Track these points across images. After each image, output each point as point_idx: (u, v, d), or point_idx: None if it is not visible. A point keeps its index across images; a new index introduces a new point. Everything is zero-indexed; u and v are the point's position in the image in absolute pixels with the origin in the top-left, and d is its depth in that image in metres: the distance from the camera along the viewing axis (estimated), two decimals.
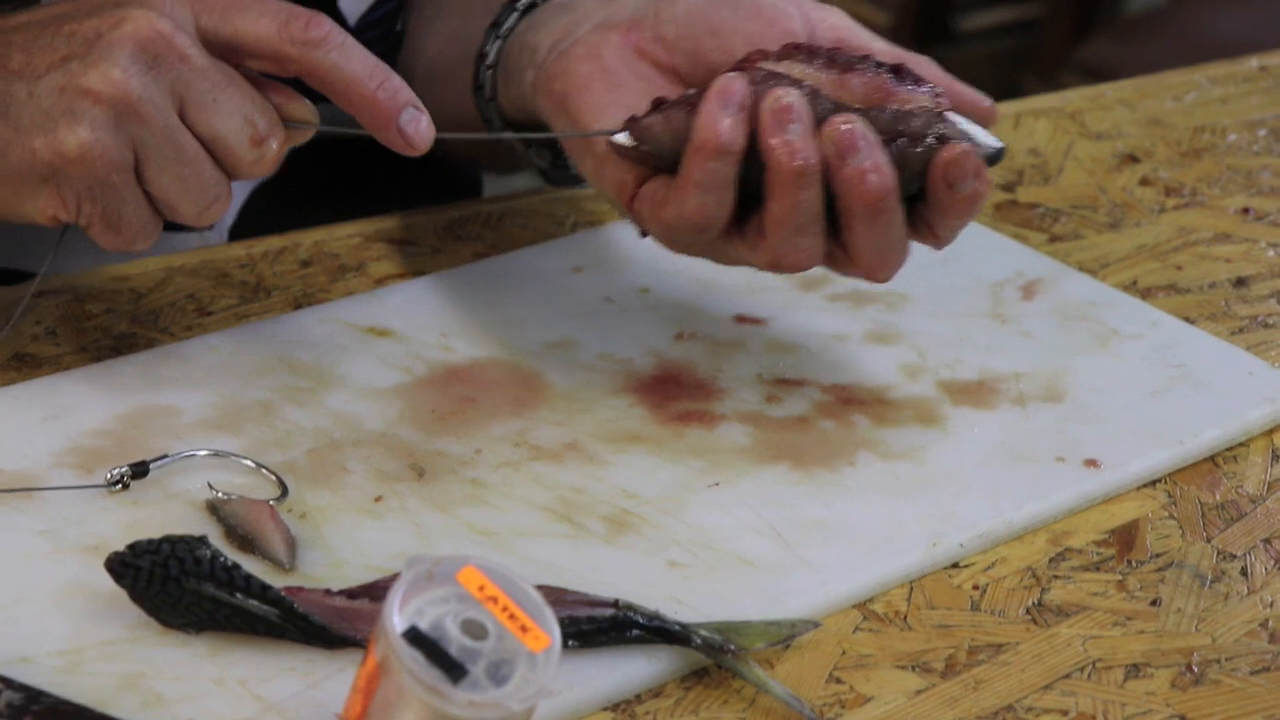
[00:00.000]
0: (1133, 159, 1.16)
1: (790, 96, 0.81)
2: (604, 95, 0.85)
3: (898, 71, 0.83)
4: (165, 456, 0.82)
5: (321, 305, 0.96)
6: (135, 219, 0.82)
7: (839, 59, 0.84)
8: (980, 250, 1.03)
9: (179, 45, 0.80)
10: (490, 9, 0.95)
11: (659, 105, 0.84)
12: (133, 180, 0.81)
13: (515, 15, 0.93)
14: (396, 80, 0.83)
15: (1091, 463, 0.87)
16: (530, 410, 0.89)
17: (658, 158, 0.84)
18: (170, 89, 0.80)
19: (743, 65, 0.84)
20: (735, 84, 0.82)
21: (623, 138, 0.84)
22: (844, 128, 0.81)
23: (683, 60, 0.86)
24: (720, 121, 0.81)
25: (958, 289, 0.99)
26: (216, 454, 0.83)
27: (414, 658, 0.65)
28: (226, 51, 0.82)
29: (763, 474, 0.86)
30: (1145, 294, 1.02)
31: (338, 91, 0.83)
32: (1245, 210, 1.11)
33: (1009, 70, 2.87)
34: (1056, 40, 2.71)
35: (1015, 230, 1.07)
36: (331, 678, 0.72)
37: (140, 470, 0.81)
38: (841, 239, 0.83)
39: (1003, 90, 1.30)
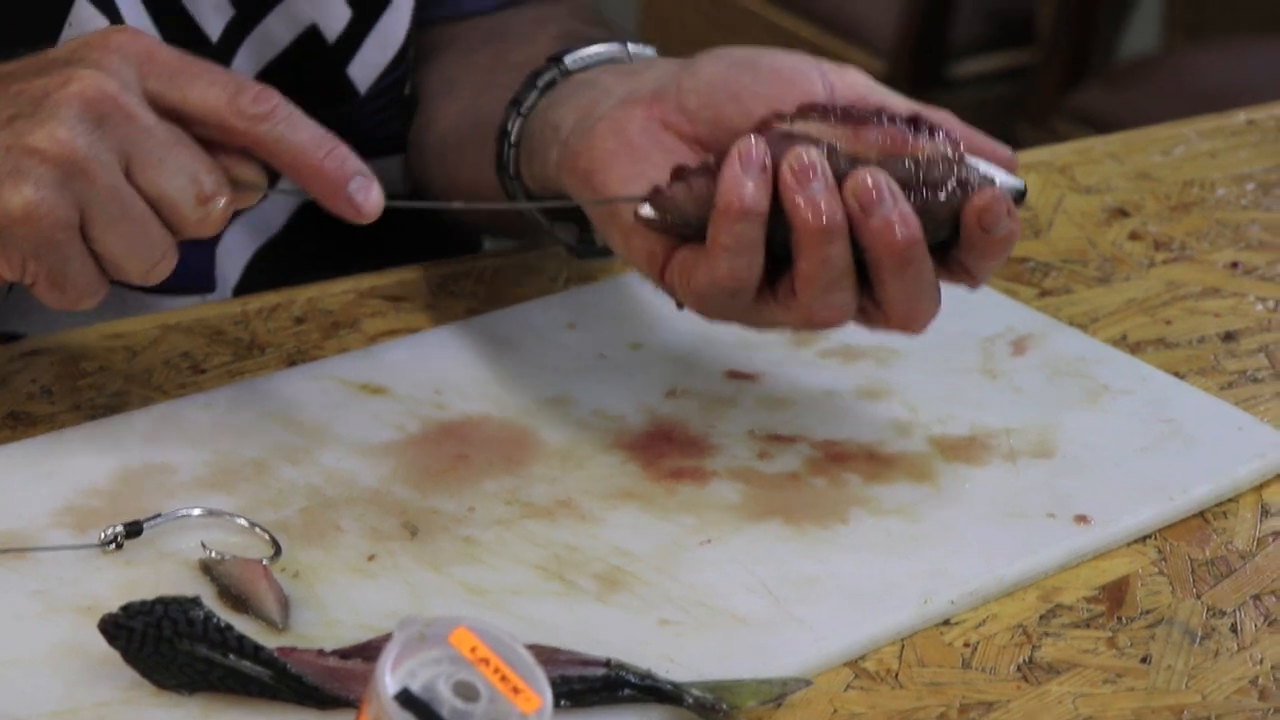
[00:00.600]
0: (1122, 213, 1.16)
1: (810, 154, 0.82)
2: (629, 169, 0.86)
3: (913, 122, 0.84)
4: (159, 516, 0.83)
5: (315, 362, 0.96)
6: (81, 278, 0.82)
7: (854, 114, 0.85)
8: (971, 305, 1.03)
9: (125, 104, 0.81)
10: (506, 84, 0.95)
11: (680, 174, 0.84)
12: (78, 239, 0.81)
13: (536, 93, 0.93)
14: (344, 149, 0.83)
15: (1082, 519, 0.88)
16: (523, 467, 0.89)
17: (684, 226, 0.84)
18: (116, 147, 0.81)
19: (760, 128, 0.85)
20: (754, 146, 0.83)
21: (647, 210, 0.84)
22: (866, 181, 0.82)
23: (705, 129, 0.87)
24: (743, 184, 0.82)
25: (948, 344, 1.00)
26: (210, 513, 0.84)
27: None
28: (172, 117, 0.82)
29: (755, 531, 0.86)
30: (1135, 348, 1.03)
31: (285, 163, 0.83)
32: (1234, 264, 1.11)
33: (1002, 117, 2.88)
34: (1049, 87, 2.72)
35: (1006, 284, 1.08)
36: None
37: (134, 530, 0.82)
38: (873, 293, 0.84)
39: (996, 137, 1.30)
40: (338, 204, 0.83)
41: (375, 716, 0.66)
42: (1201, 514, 0.90)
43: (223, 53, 1.00)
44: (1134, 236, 1.14)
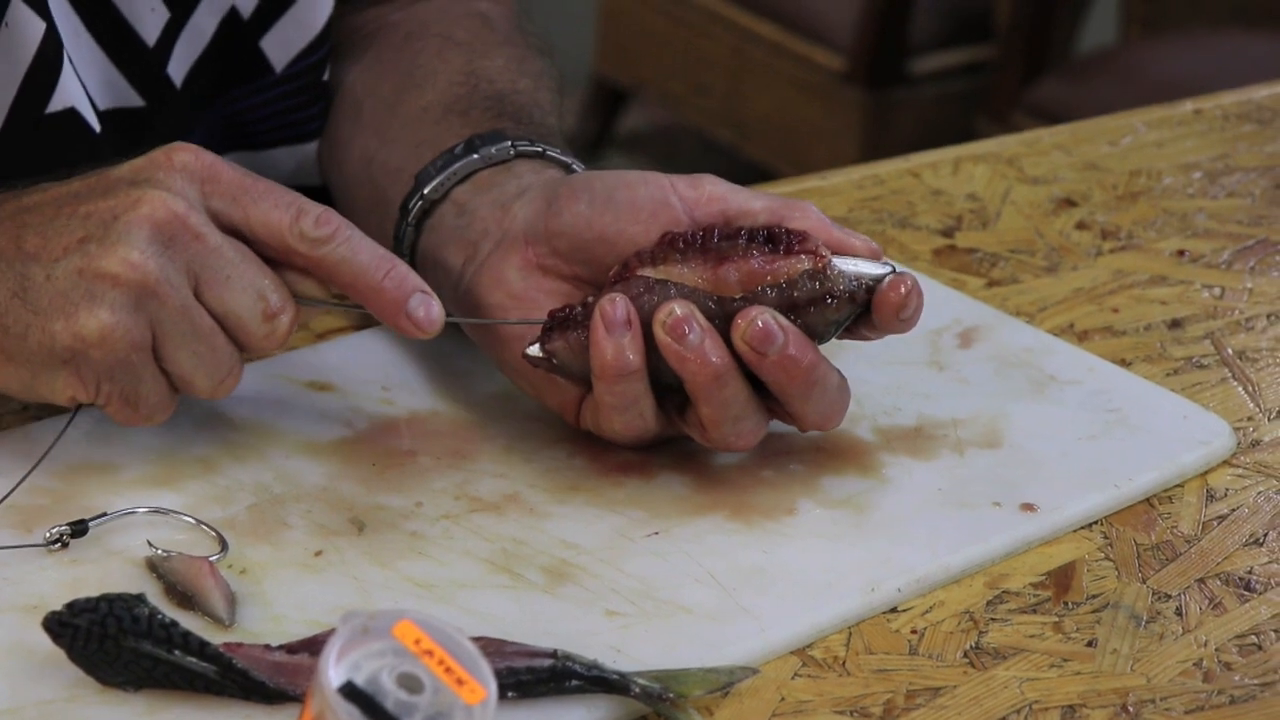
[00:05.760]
0: (1069, 203, 1.17)
1: (679, 308, 0.84)
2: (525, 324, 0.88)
3: (772, 239, 0.85)
4: (104, 514, 0.83)
5: (262, 360, 0.96)
6: (153, 396, 0.83)
7: (711, 248, 0.85)
8: None
9: (193, 225, 0.82)
10: (400, 144, 0.98)
11: (559, 323, 0.85)
12: (151, 359, 0.82)
13: (410, 229, 0.95)
14: (402, 268, 0.85)
15: (1028, 507, 0.88)
16: (470, 463, 0.89)
17: (572, 374, 0.86)
18: (185, 268, 0.82)
19: (621, 273, 0.86)
20: (617, 304, 0.84)
21: (534, 350, 0.86)
22: (755, 324, 0.83)
23: (581, 269, 0.89)
24: (612, 347, 0.84)
25: (895, 337, 1.00)
26: (156, 511, 0.84)
27: (350, 712, 0.65)
28: (235, 235, 0.84)
29: (701, 523, 0.86)
30: (1082, 336, 1.03)
31: (345, 284, 0.85)
32: (1180, 253, 1.12)
33: (961, 112, 2.89)
34: (1008, 82, 2.73)
35: (953, 275, 1.08)
36: None
37: (79, 529, 0.82)
38: (784, 407, 0.86)
39: (955, 132, 1.31)
40: (398, 321, 0.85)
41: (319, 710, 0.66)
42: (1148, 500, 0.91)
43: (159, 55, 1.00)
44: (1081, 226, 1.15)
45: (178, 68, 1.02)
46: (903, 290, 0.85)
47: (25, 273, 0.82)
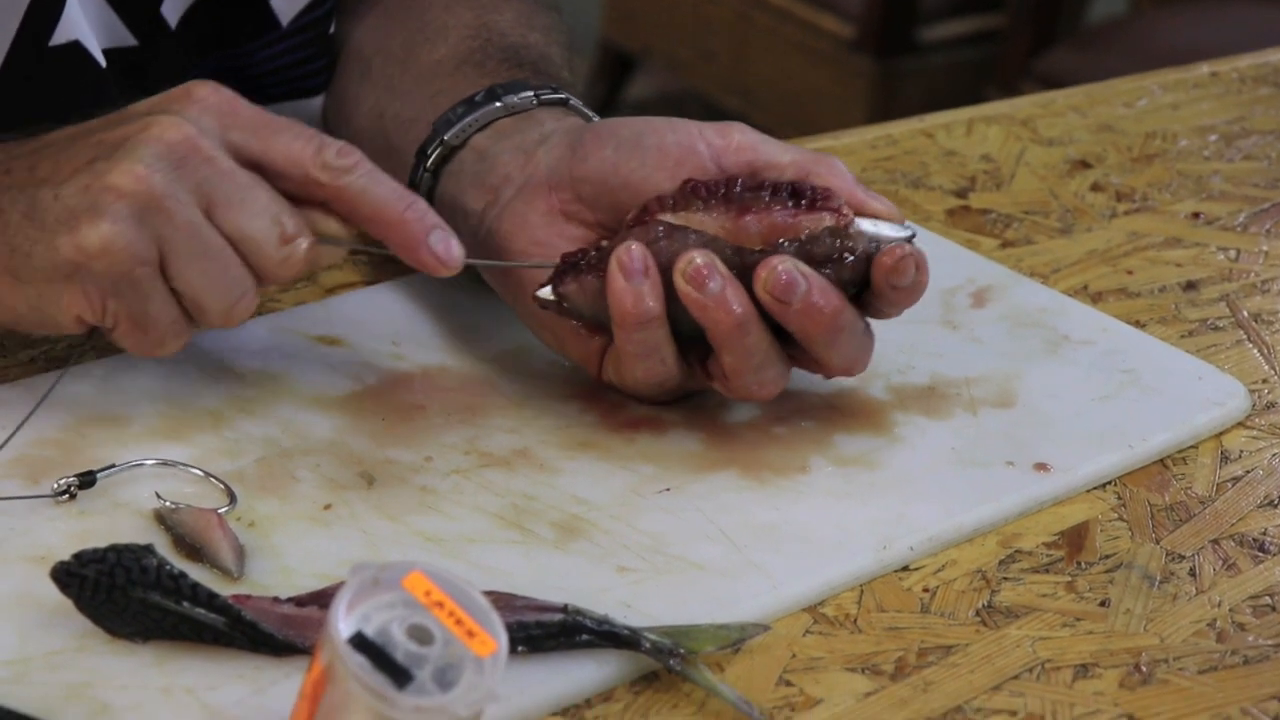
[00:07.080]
0: (1084, 165, 1.16)
1: (699, 257, 0.83)
2: (542, 270, 0.87)
3: (796, 193, 0.84)
4: (113, 466, 0.82)
5: (272, 314, 0.96)
6: (162, 317, 0.82)
7: (734, 197, 0.85)
8: (932, 258, 1.02)
9: (204, 148, 0.81)
10: (411, 99, 0.97)
11: (571, 266, 0.85)
12: (157, 275, 0.81)
13: (427, 175, 0.94)
14: (423, 203, 0.84)
15: (1042, 466, 0.88)
16: (481, 417, 0.89)
17: (585, 318, 0.86)
18: (195, 188, 0.81)
19: (640, 217, 0.85)
20: (634, 252, 0.83)
21: (546, 292, 0.86)
22: (776, 272, 0.83)
23: (605, 215, 0.88)
24: (631, 295, 0.83)
25: None
26: (165, 463, 0.83)
27: (359, 663, 0.65)
28: (253, 168, 0.83)
29: (713, 479, 0.86)
30: (1096, 298, 1.02)
31: (366, 216, 0.84)
32: (1195, 215, 1.11)
33: (970, 80, 2.88)
34: (1017, 51, 2.72)
35: (967, 236, 1.08)
36: (279, 684, 0.72)
37: (87, 480, 0.81)
38: (810, 353, 0.86)
39: (963, 101, 1.30)
40: (420, 255, 0.84)
41: (329, 661, 0.66)
42: (1161, 460, 0.90)
43: None
44: (1096, 188, 1.14)
45: (173, 9, 1.01)
46: (898, 254, 0.84)
47: (35, 195, 0.81)
